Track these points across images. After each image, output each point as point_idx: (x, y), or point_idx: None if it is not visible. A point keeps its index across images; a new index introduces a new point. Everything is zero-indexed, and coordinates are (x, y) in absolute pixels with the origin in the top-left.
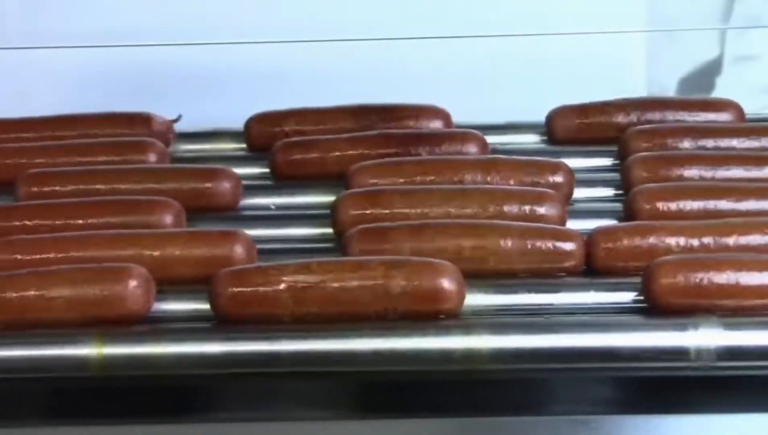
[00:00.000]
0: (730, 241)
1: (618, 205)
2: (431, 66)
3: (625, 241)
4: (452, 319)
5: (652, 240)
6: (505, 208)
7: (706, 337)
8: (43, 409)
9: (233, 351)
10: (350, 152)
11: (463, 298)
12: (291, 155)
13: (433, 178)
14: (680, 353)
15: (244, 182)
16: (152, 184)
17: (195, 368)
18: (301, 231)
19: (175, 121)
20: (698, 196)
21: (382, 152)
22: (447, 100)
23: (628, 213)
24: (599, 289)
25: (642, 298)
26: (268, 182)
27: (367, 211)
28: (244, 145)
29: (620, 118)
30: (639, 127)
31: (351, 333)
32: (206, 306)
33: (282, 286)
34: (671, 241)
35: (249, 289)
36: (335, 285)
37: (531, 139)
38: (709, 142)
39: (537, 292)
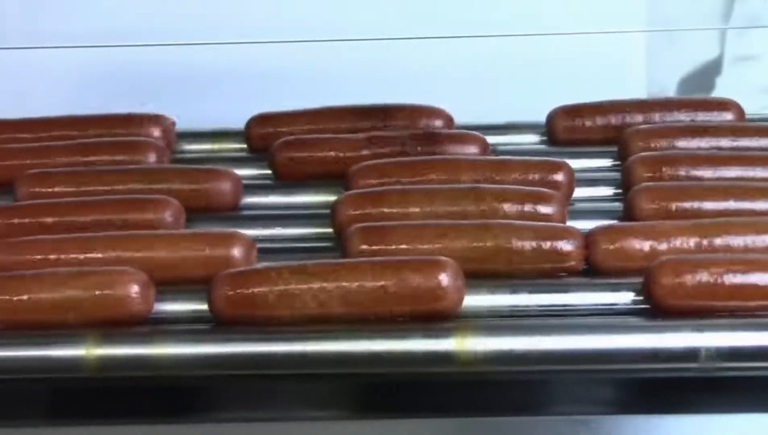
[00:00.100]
0: (730, 241)
1: (618, 205)
2: (431, 66)
3: (625, 241)
4: (451, 319)
5: (652, 240)
6: (506, 208)
7: (706, 338)
8: (43, 410)
9: (232, 352)
10: (350, 152)
11: (461, 296)
12: (291, 155)
13: (433, 178)
14: (681, 354)
15: (244, 182)
16: (152, 184)
17: (193, 369)
18: (300, 231)
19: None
20: (698, 196)
21: (382, 152)
22: (447, 100)
23: (628, 213)
24: (599, 290)
25: (642, 298)
26: (268, 182)
27: (367, 211)
28: (244, 146)
29: (620, 118)
30: (639, 127)
31: (350, 335)
32: (205, 307)
33: (280, 288)
34: (671, 240)
35: (247, 291)
36: (334, 286)
37: (531, 139)
38: (709, 142)
39: (537, 292)
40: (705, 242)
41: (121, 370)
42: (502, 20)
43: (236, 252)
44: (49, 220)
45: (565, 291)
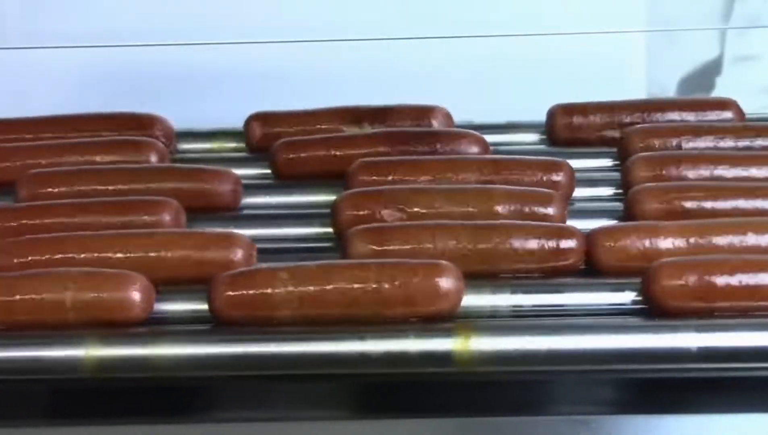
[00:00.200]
0: (730, 241)
1: (618, 205)
2: (431, 66)
3: (625, 241)
4: (450, 319)
5: (652, 239)
6: (506, 208)
7: (706, 338)
8: (43, 410)
9: (231, 353)
10: (350, 152)
11: (461, 297)
12: (291, 155)
13: (433, 177)
14: (681, 355)
15: (244, 182)
16: (152, 184)
17: (193, 370)
18: (300, 231)
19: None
20: (698, 196)
21: (383, 152)
22: (447, 100)
23: (628, 213)
24: (599, 290)
25: (642, 299)
26: (268, 182)
27: (367, 211)
28: (244, 145)
29: (620, 118)
30: (639, 126)
31: (349, 335)
32: (205, 307)
33: (280, 288)
34: (671, 240)
35: (247, 292)
36: (333, 287)
37: (531, 139)
38: (709, 142)
39: (537, 292)
40: (705, 242)
41: (121, 371)
42: (502, 20)
43: (236, 252)
44: (50, 220)
45: (565, 291)
